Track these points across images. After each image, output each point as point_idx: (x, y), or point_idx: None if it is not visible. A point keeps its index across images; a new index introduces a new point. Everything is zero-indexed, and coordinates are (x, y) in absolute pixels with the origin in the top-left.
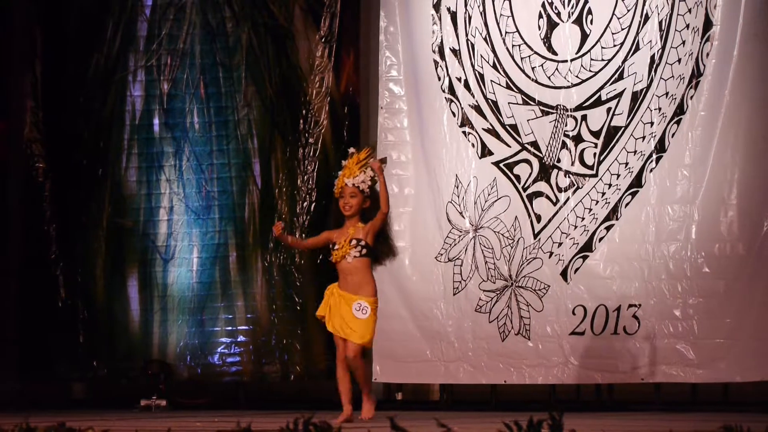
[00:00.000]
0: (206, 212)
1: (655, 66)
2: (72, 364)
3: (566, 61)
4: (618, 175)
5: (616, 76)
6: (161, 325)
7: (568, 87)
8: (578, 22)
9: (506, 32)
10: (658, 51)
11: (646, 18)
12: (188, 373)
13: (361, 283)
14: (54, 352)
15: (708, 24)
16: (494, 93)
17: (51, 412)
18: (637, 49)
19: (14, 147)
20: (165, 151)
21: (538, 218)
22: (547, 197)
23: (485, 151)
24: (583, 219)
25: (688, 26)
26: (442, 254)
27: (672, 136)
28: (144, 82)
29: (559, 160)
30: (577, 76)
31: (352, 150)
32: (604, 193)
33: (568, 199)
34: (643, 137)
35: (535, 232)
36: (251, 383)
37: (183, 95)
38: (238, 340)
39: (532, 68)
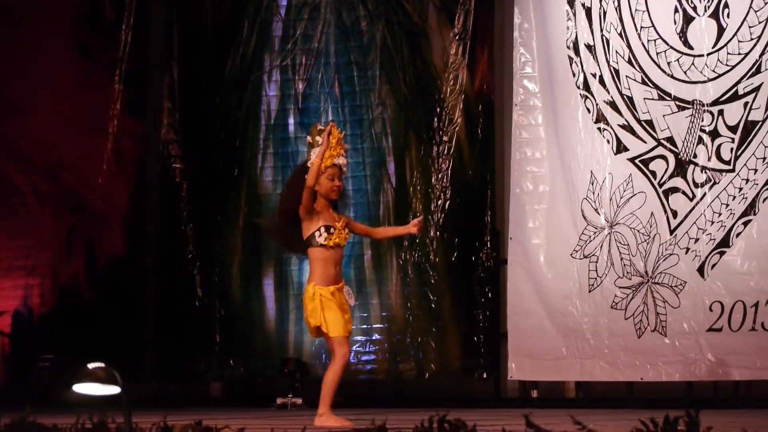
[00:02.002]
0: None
1: None
2: (209, 363)
3: (702, 55)
4: (755, 170)
5: (754, 70)
6: (297, 323)
7: (705, 81)
8: (714, 15)
9: (641, 27)
10: None
11: None
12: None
13: (341, 271)
14: (191, 351)
15: None
16: (629, 88)
17: (188, 411)
18: None
19: (152, 148)
20: (300, 150)
21: (675, 214)
22: (684, 193)
23: (620, 147)
24: (719, 214)
25: None
26: (577, 251)
27: None
28: (279, 82)
29: (695, 156)
30: (713, 71)
31: (320, 127)
32: (741, 188)
33: (704, 194)
34: None
35: (672, 228)
36: (386, 381)
37: (318, 94)
38: (373, 338)
39: (668, 63)
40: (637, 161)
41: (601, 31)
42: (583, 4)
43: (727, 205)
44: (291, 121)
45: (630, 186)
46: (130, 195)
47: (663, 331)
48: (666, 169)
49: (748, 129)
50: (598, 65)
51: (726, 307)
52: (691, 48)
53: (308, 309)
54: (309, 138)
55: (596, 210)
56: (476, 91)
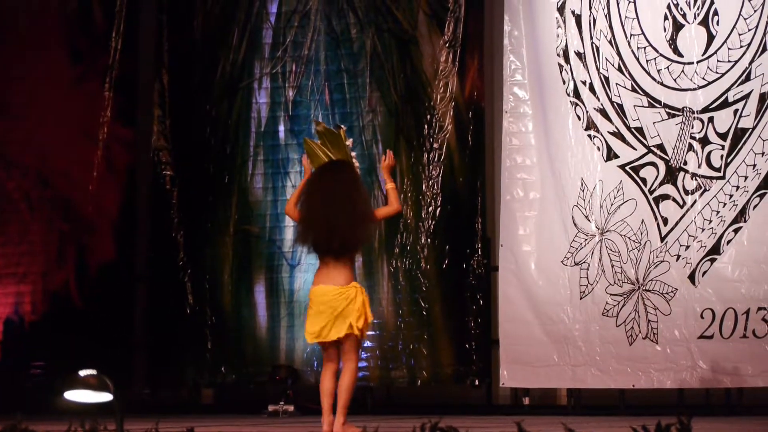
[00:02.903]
0: None
1: None
2: (200, 370)
3: (692, 63)
4: (745, 177)
5: (743, 77)
6: (288, 330)
7: (695, 89)
8: (704, 23)
9: (631, 35)
10: None
11: None
12: (315, 378)
13: None
14: (183, 358)
15: None
16: (619, 96)
17: (180, 418)
18: (765, 50)
19: (142, 155)
20: (290, 157)
21: (665, 221)
22: (674, 200)
23: (611, 155)
24: (710, 222)
25: None
26: (568, 258)
27: None
28: (269, 90)
29: (685, 163)
30: (703, 78)
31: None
32: (731, 196)
33: (695, 201)
34: None
35: (662, 235)
36: (378, 388)
37: (308, 102)
38: (365, 345)
39: (658, 70)
40: (627, 168)
41: (591, 38)
42: (572, 12)
43: (718, 213)
44: (281, 128)
45: (620, 193)
46: (121, 202)
47: (654, 338)
48: (656, 176)
49: (738, 136)
50: (588, 73)
51: (717, 315)
52: (680, 55)
53: (359, 304)
54: (349, 142)
55: (587, 217)
56: (466, 99)
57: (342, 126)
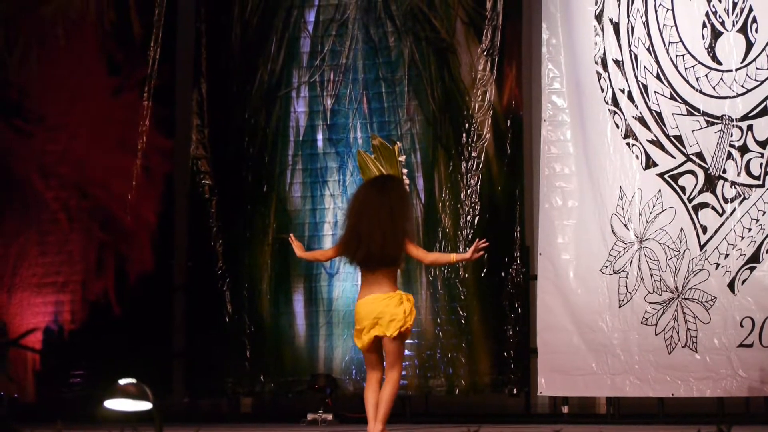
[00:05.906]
0: None
1: None
2: (239, 379)
3: (731, 70)
4: None
5: None
6: (327, 339)
7: (734, 97)
8: (743, 30)
9: (670, 42)
10: None
11: None
12: (354, 387)
13: None
14: (221, 367)
15: None
16: (658, 104)
17: (219, 426)
18: None
19: (181, 164)
20: (329, 166)
21: (704, 229)
22: (713, 208)
23: (649, 163)
24: (750, 230)
25: None
26: (606, 266)
27: None
28: (307, 98)
29: (724, 171)
30: (742, 86)
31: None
32: None
33: (734, 210)
34: None
35: (701, 244)
36: (416, 397)
37: (346, 111)
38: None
39: (696, 78)
40: (666, 177)
41: (630, 46)
42: (610, 20)
43: (757, 221)
44: (319, 137)
45: (659, 201)
46: (159, 211)
47: (694, 346)
48: (695, 185)
49: None
50: (627, 81)
51: (757, 323)
52: (719, 63)
53: (407, 312)
54: (402, 158)
55: (625, 225)
56: (504, 107)
57: (398, 142)
